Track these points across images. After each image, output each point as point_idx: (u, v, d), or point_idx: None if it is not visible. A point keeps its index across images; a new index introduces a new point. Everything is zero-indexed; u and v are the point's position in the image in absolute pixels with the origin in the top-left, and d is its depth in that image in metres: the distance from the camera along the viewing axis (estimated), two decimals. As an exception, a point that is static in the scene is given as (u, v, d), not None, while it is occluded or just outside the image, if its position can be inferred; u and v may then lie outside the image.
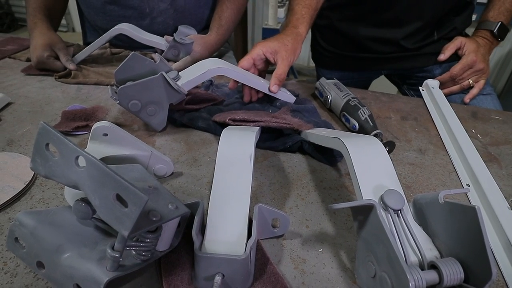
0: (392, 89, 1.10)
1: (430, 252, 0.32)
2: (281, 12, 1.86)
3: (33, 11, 0.82)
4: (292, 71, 2.08)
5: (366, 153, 0.37)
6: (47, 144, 0.30)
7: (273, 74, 0.62)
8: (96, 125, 0.41)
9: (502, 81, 2.79)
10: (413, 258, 0.31)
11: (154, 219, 0.31)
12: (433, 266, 0.30)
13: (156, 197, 0.35)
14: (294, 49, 0.63)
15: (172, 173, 0.49)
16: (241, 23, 1.14)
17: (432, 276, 0.29)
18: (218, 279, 0.32)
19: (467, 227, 0.29)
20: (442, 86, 0.78)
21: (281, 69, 0.61)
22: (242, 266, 0.32)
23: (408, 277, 0.26)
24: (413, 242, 0.32)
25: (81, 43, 0.98)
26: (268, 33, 1.82)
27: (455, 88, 0.79)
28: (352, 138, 0.40)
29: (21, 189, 0.45)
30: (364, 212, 0.32)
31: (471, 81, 0.78)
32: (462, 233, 0.30)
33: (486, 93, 0.81)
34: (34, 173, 0.48)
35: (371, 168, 0.36)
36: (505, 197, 0.46)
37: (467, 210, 0.29)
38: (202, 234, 0.35)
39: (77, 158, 0.28)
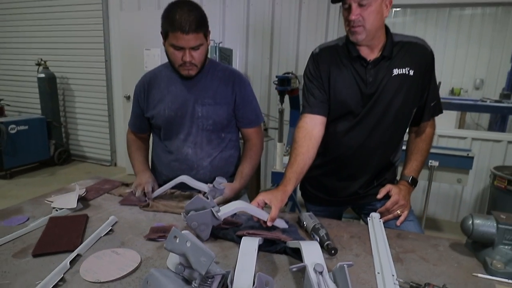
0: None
1: (334, 291, 0.71)
2: (286, 159, 2.46)
3: (136, 163, 1.46)
4: (296, 206, 2.58)
5: (309, 247, 0.79)
6: (175, 236, 0.74)
7: (269, 216, 1.03)
8: (183, 232, 0.85)
9: None
10: (325, 293, 0.70)
11: (211, 272, 0.73)
12: (332, 295, 0.68)
13: (212, 265, 0.76)
14: (282, 200, 1.08)
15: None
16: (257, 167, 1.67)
17: (330, 298, 0.68)
18: (239, 303, 0.71)
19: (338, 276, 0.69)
20: (382, 215, 1.21)
21: (273, 213, 1.03)
22: (250, 296, 0.71)
23: (315, 292, 0.65)
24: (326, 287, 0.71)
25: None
26: (275, 176, 2.38)
27: (390, 216, 1.22)
28: (305, 242, 0.83)
29: (135, 267, 0.87)
30: (304, 271, 0.73)
31: (399, 212, 1.22)
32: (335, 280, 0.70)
33: (410, 220, 1.23)
34: (141, 258, 0.90)
35: (310, 254, 0.78)
36: (397, 279, 0.84)
37: (341, 268, 0.70)
38: (231, 283, 0.75)
39: (186, 241, 0.72)
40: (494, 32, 5.39)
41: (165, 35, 1.26)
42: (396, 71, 1.18)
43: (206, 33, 1.28)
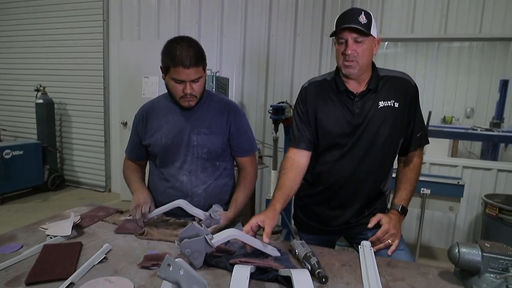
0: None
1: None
2: (280, 187, 2.48)
3: (133, 183, 1.47)
4: (291, 234, 2.58)
5: (298, 274, 0.81)
6: (168, 264, 0.76)
7: (264, 233, 1.08)
8: (176, 260, 0.86)
9: None
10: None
11: (204, 300, 0.75)
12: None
13: (204, 293, 0.78)
14: (274, 218, 1.15)
15: (206, 290, 0.91)
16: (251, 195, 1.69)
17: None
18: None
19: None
20: (373, 244, 1.23)
21: (267, 230, 1.09)
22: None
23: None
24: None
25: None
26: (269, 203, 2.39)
27: (381, 245, 1.23)
28: (296, 270, 0.85)
29: (128, 295, 0.88)
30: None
31: (390, 241, 1.23)
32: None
33: (401, 249, 1.25)
34: (134, 287, 0.91)
35: (300, 282, 0.79)
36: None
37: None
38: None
39: (180, 269, 0.74)
40: (482, 63, 5.62)
41: (165, 70, 1.32)
42: (381, 103, 1.24)
43: (204, 66, 1.36)
